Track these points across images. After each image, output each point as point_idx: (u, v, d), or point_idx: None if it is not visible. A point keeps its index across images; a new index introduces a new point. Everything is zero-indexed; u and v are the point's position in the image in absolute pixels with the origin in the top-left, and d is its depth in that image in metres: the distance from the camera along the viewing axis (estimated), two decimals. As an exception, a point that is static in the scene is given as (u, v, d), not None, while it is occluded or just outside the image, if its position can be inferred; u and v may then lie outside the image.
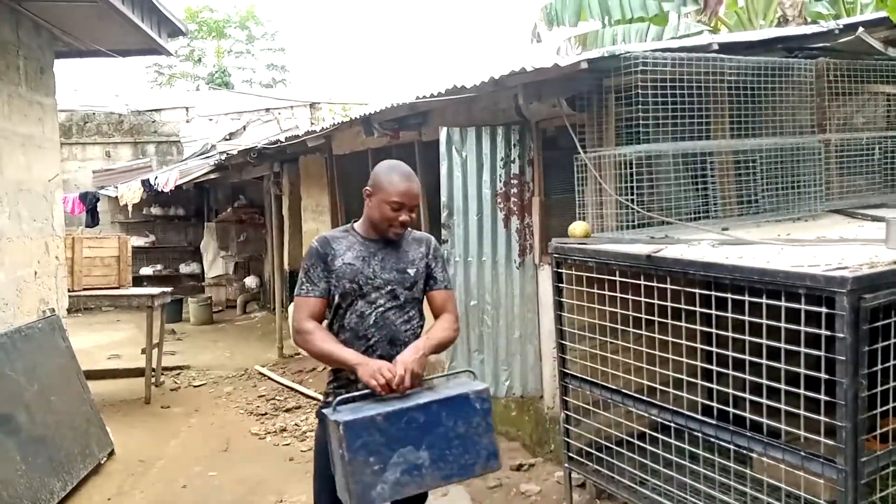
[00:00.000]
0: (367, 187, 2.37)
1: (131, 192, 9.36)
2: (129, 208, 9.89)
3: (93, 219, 9.98)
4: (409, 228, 2.44)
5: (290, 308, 4.96)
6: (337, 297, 2.34)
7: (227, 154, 8.55)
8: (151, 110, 12.12)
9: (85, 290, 6.16)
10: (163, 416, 5.63)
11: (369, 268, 2.35)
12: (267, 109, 12.11)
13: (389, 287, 2.36)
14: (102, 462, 4.44)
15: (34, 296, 4.41)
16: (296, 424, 5.21)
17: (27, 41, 4.39)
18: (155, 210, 11.56)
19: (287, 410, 5.59)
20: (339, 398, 2.13)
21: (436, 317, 2.46)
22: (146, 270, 11.30)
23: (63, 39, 4.70)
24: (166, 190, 8.99)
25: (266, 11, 25.61)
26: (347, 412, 2.04)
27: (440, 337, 2.35)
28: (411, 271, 2.39)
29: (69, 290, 5.22)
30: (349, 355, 2.21)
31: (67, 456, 4.07)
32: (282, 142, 7.12)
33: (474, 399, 2.10)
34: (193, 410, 5.77)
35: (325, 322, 2.40)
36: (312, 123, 11.37)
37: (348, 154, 7.07)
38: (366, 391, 2.12)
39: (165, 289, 6.72)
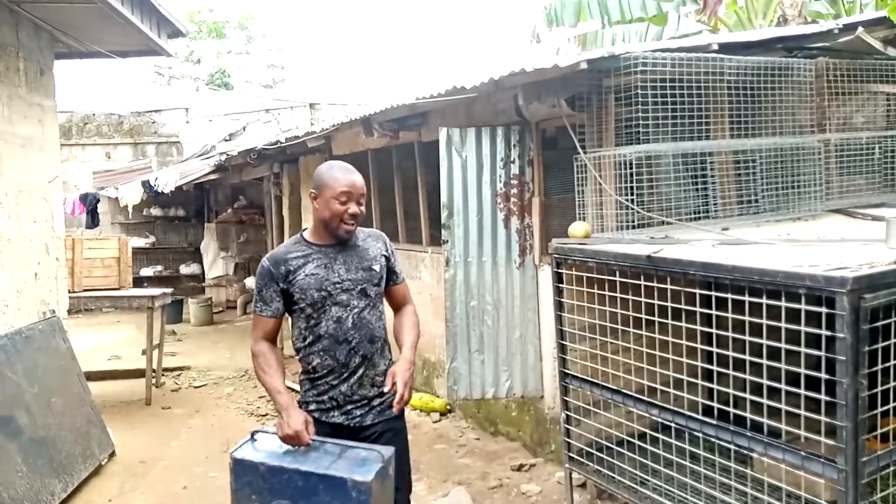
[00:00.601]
0: (312, 190, 2.37)
1: (131, 193, 9.35)
2: (130, 209, 9.88)
3: (93, 220, 9.98)
4: (359, 228, 2.44)
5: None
6: (307, 309, 2.33)
7: (227, 155, 8.55)
8: (151, 111, 12.12)
9: (85, 291, 6.16)
10: (163, 417, 5.63)
11: (334, 273, 2.34)
12: (266, 110, 12.11)
13: (360, 287, 2.37)
14: (103, 463, 4.44)
15: (34, 297, 4.41)
16: (296, 425, 5.20)
17: (27, 43, 4.39)
18: (155, 211, 11.57)
19: (287, 411, 5.59)
20: (254, 430, 2.35)
21: (396, 309, 2.54)
22: (146, 271, 11.31)
23: (63, 41, 4.71)
24: (166, 191, 8.99)
25: (265, 12, 25.56)
26: (253, 446, 2.27)
27: (416, 337, 2.45)
28: (376, 267, 2.42)
29: (69, 292, 5.23)
30: (279, 399, 2.28)
31: (68, 457, 4.07)
32: (281, 142, 7.12)
33: (351, 487, 2.08)
34: (194, 411, 5.77)
35: (296, 333, 2.42)
36: (312, 124, 11.37)
37: (348, 154, 7.07)
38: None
39: (166, 290, 6.72)
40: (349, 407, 2.40)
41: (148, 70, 20.39)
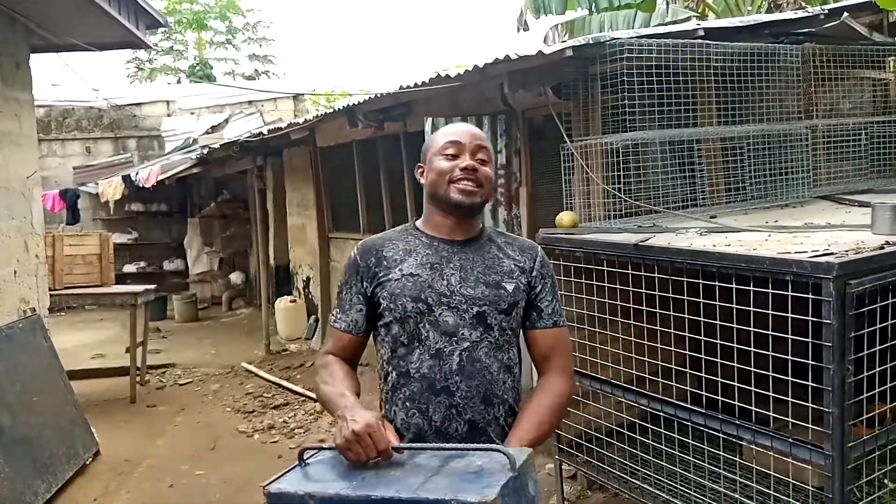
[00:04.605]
0: (419, 164, 1.74)
1: (112, 189, 9.22)
2: (111, 205, 9.75)
3: (73, 216, 9.84)
4: (506, 233, 1.80)
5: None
6: (393, 326, 1.60)
7: (210, 148, 8.44)
8: (132, 104, 11.93)
9: (67, 288, 6.06)
10: (148, 416, 5.57)
11: (442, 279, 1.59)
12: (250, 102, 11.97)
13: (477, 309, 1.58)
14: (88, 462, 4.38)
15: (14, 295, 4.33)
16: (284, 421, 5.16)
17: (1, 36, 4.28)
18: (137, 206, 11.40)
19: (275, 407, 5.55)
20: (303, 447, 1.44)
21: (538, 369, 1.68)
22: (129, 268, 11.16)
23: (39, 33, 4.60)
24: (148, 185, 8.87)
25: (248, 1, 25.24)
26: (303, 473, 1.39)
27: (551, 423, 1.59)
28: (509, 286, 1.61)
29: (50, 289, 5.13)
30: (340, 401, 1.48)
31: (52, 457, 4.00)
32: (265, 135, 7.04)
33: None
34: (180, 409, 5.71)
35: (378, 368, 1.69)
36: (296, 116, 11.26)
37: (333, 146, 7.00)
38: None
39: (149, 286, 6.63)
40: None
41: (128, 63, 20.13)
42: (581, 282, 2.95)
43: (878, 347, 2.15)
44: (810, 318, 2.10)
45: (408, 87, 4.26)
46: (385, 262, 1.62)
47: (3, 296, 4.19)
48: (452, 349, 1.56)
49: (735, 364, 2.40)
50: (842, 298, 2.00)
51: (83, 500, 3.97)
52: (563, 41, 4.48)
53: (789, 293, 2.13)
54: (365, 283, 1.63)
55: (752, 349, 2.29)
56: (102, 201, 9.82)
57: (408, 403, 1.57)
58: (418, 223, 1.72)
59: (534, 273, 1.66)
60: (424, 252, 1.63)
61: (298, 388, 5.87)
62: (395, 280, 1.59)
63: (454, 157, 1.61)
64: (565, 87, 3.44)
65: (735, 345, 2.38)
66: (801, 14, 3.75)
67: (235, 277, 11.10)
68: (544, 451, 4.09)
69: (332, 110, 5.63)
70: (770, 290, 2.18)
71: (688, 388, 2.66)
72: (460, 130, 1.66)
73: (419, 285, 1.58)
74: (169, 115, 11.95)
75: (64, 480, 4.02)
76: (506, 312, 1.60)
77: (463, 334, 1.56)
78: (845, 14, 3.40)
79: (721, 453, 2.54)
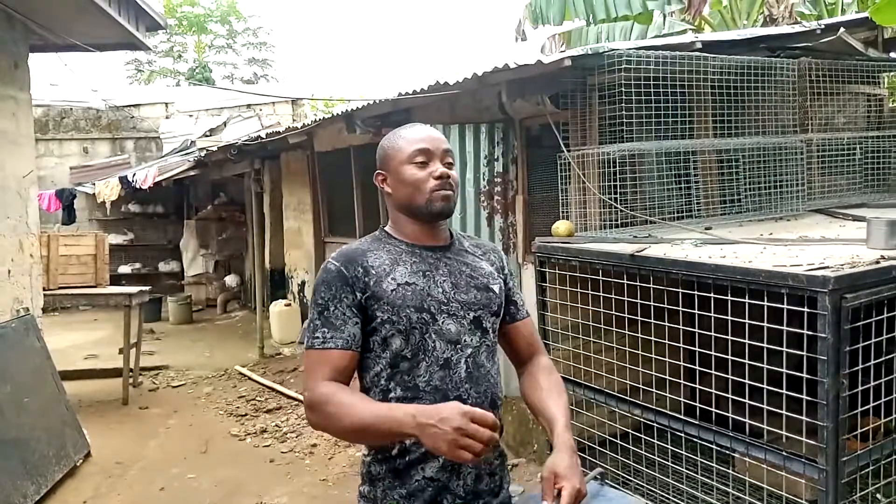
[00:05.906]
0: (378, 171, 1.65)
1: (109, 189, 9.20)
2: (107, 205, 9.71)
3: (69, 216, 9.79)
4: (465, 234, 1.78)
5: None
6: (395, 340, 1.51)
7: (207, 151, 8.43)
8: (130, 106, 11.93)
9: (61, 288, 6.03)
10: (141, 418, 5.54)
11: (437, 286, 1.55)
12: (248, 105, 11.98)
13: (473, 314, 1.57)
14: (78, 464, 4.35)
15: (8, 295, 4.31)
16: (276, 425, 5.14)
17: (0, 35, 4.27)
18: (133, 207, 11.38)
19: (268, 411, 5.52)
20: None
21: (521, 360, 1.72)
22: (124, 269, 11.12)
23: (38, 33, 4.59)
24: (145, 187, 8.85)
25: (248, 6, 25.28)
26: None
27: (567, 408, 1.59)
28: (496, 288, 1.63)
29: (44, 289, 5.11)
30: (396, 413, 1.37)
31: (42, 458, 3.98)
32: (263, 138, 7.04)
33: None
34: (172, 411, 5.68)
35: (368, 383, 1.57)
36: (294, 120, 11.26)
37: (330, 151, 7.01)
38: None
39: (144, 287, 6.61)
40: None
41: (128, 65, 20.14)
42: (576, 291, 2.96)
43: (872, 362, 2.15)
44: (805, 331, 2.11)
45: (406, 93, 4.27)
46: (373, 272, 1.53)
47: (-4, 295, 4.17)
48: (458, 357, 1.53)
49: (729, 376, 2.40)
50: (837, 312, 2.01)
51: (73, 502, 3.94)
52: (561, 51, 4.51)
53: (784, 306, 2.13)
54: (357, 294, 1.51)
55: (746, 361, 2.29)
56: (99, 202, 9.79)
57: None
58: (390, 231, 1.65)
59: (505, 271, 1.71)
60: (411, 260, 1.57)
61: (291, 392, 5.85)
62: (392, 290, 1.51)
63: (424, 164, 1.57)
64: (563, 97, 3.46)
65: (729, 356, 2.39)
66: (798, 28, 3.78)
67: (230, 280, 11.07)
68: (536, 459, 4.08)
69: (330, 115, 5.64)
70: (765, 303, 2.18)
71: (681, 398, 2.66)
72: (424, 136, 1.61)
73: (419, 294, 1.52)
74: (167, 117, 11.94)
75: (54, 482, 3.99)
76: (496, 314, 1.63)
77: (465, 341, 1.55)
78: (842, 29, 3.43)
79: (714, 465, 2.54)
